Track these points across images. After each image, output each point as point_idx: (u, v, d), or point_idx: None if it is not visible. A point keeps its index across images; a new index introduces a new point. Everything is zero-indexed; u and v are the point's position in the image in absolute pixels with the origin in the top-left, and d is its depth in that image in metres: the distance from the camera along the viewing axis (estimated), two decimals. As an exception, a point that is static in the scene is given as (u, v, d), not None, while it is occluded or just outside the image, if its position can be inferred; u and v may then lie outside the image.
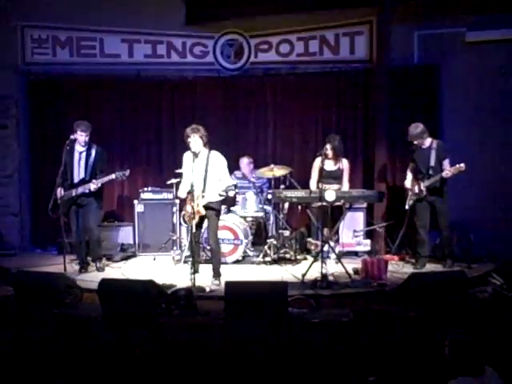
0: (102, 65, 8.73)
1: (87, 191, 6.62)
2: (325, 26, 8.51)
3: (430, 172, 6.70)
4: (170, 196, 8.01)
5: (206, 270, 6.39)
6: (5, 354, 4.77)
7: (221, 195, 6.07)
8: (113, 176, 6.62)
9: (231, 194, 6.09)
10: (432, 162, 6.71)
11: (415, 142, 6.78)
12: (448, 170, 6.53)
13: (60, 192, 6.64)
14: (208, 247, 6.64)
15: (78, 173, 6.71)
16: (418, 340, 4.51)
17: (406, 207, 7.00)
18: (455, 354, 3.25)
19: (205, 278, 6.18)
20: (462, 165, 6.44)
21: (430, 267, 6.91)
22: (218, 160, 6.14)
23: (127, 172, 6.65)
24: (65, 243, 6.74)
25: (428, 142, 6.77)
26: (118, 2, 8.48)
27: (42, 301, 5.04)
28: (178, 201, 7.58)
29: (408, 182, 6.99)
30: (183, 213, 6.30)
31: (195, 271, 6.11)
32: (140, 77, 8.74)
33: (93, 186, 6.59)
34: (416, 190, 6.81)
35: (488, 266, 6.75)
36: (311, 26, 8.54)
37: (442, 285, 5.00)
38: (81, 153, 6.74)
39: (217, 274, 6.18)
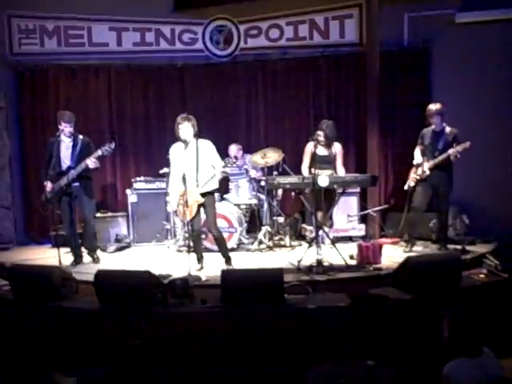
0: (90, 54, 8.67)
1: (80, 170, 6.48)
2: (314, 10, 8.48)
3: (436, 154, 6.71)
4: (163, 185, 7.98)
5: (207, 259, 6.38)
6: (3, 347, 4.79)
7: (222, 174, 6.23)
8: (99, 152, 6.48)
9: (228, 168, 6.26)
10: (440, 145, 6.71)
11: (432, 120, 6.73)
12: (454, 149, 6.52)
13: (49, 186, 6.56)
14: (204, 236, 6.64)
15: (65, 162, 6.60)
16: (415, 323, 4.54)
17: (406, 187, 7.00)
18: (452, 336, 3.28)
19: (208, 268, 6.18)
20: (468, 142, 6.47)
21: (425, 250, 6.94)
22: (208, 147, 6.12)
23: (112, 144, 6.52)
24: (58, 236, 6.68)
25: (441, 125, 6.75)
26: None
27: (38, 294, 5.02)
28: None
29: (417, 155, 6.91)
30: (175, 209, 6.25)
31: (201, 267, 6.16)
32: (129, 65, 8.69)
33: (89, 161, 6.44)
34: (419, 170, 6.82)
35: (483, 247, 6.80)
36: (300, 10, 8.50)
37: (437, 267, 5.01)
38: (67, 143, 6.66)
39: (229, 260, 6.21)
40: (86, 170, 6.57)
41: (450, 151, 6.56)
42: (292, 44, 8.62)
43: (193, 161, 6.03)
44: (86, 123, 8.18)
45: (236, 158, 7.73)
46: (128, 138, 8.81)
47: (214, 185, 6.15)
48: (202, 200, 6.02)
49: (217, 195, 7.51)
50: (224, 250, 6.27)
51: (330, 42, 8.51)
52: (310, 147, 6.81)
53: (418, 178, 6.84)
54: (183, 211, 5.92)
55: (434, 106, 6.76)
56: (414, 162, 6.93)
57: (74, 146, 6.63)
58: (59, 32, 8.58)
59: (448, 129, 6.77)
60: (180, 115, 6.11)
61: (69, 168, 6.56)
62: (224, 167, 6.18)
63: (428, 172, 6.75)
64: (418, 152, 6.96)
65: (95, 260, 6.87)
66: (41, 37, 8.58)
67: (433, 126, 6.81)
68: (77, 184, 6.62)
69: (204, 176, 6.03)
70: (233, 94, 8.85)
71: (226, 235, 7.14)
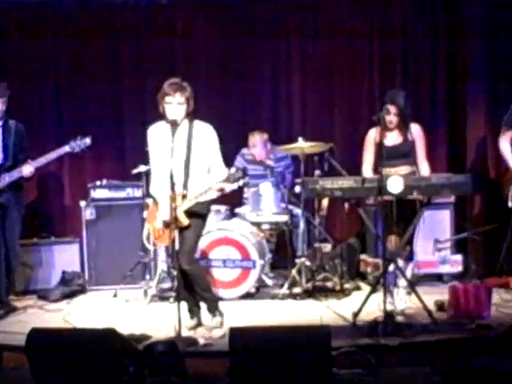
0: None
1: (15, 178, 6.73)
2: None
3: None
4: (138, 193, 7.98)
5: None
6: None
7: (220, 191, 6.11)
8: (66, 148, 6.75)
9: (239, 184, 6.20)
10: None
11: None
12: None
13: None
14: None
15: None
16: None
17: (510, 204, 7.01)
18: None
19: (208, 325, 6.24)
20: None
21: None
22: (207, 135, 6.08)
23: (88, 140, 6.82)
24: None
25: None
26: None
27: None
28: (150, 200, 7.55)
29: (507, 150, 7.00)
30: (150, 229, 6.30)
31: (197, 324, 6.20)
32: (88, 5, 8.76)
33: (28, 168, 6.70)
34: None
35: None
36: None
37: None
38: None
39: (213, 309, 6.21)
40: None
41: None
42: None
43: (181, 155, 5.98)
44: (18, 98, 8.14)
45: (262, 162, 7.66)
46: (84, 119, 8.76)
47: (208, 196, 6.05)
48: (186, 222, 5.89)
49: (224, 209, 7.50)
50: (202, 292, 6.17)
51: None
52: (372, 135, 6.91)
53: None
54: (162, 232, 5.91)
55: None
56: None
57: (5, 133, 6.82)
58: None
59: None
60: (168, 81, 6.06)
61: (1, 167, 6.75)
62: (235, 179, 5.95)
63: None
64: (507, 145, 6.99)
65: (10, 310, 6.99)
66: None
67: None
68: (8, 193, 6.82)
69: (196, 181, 5.98)
70: (250, 48, 8.88)
71: (237, 272, 7.20)
